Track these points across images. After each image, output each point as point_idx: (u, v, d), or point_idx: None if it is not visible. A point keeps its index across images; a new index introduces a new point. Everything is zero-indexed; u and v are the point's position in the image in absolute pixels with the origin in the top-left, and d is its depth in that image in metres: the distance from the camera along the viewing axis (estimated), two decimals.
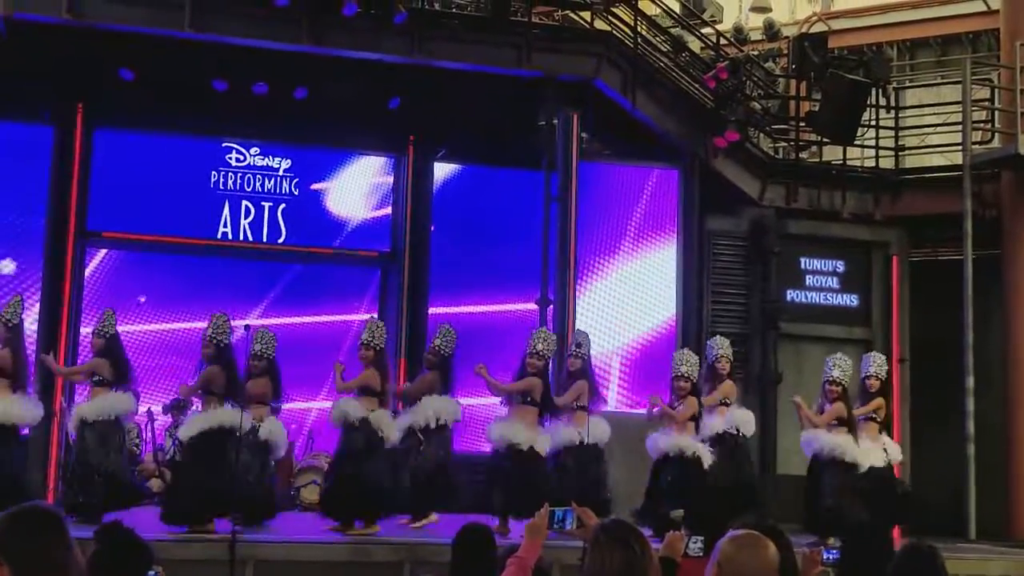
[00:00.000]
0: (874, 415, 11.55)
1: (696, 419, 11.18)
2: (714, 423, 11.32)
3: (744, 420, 11.52)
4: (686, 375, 11.15)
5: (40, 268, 13.52)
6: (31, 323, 13.11)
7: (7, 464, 9.70)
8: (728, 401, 11.54)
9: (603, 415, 11.54)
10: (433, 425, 10.71)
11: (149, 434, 12.92)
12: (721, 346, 11.74)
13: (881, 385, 11.63)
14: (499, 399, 11.30)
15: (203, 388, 10.03)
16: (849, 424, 11.26)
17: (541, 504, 4.75)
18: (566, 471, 10.74)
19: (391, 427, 10.39)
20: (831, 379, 11.36)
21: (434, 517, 10.79)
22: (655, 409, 11.19)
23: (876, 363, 11.70)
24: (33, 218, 13.56)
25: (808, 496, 11.47)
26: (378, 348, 10.49)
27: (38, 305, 13.32)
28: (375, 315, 13.76)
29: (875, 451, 11.39)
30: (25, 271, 13.52)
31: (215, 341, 10.11)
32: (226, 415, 9.76)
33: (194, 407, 10.52)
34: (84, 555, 4.56)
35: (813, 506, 11.33)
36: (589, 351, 11.41)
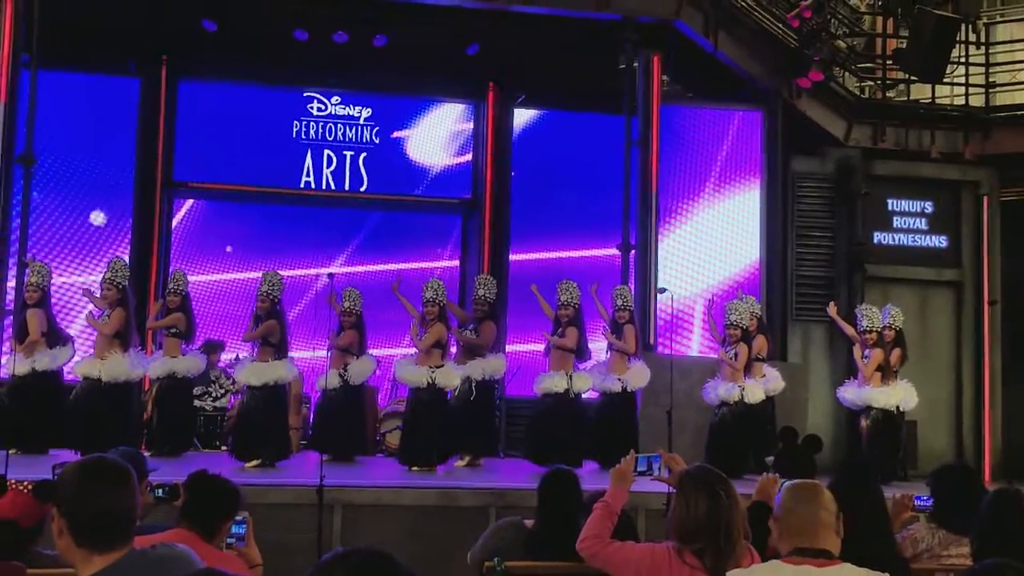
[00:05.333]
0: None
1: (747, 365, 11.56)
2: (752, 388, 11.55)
3: (775, 386, 11.80)
4: (735, 323, 11.48)
5: (129, 218, 13.81)
6: None
7: (130, 419, 10.54)
8: (762, 356, 11.80)
9: (686, 359, 11.77)
10: (481, 378, 11.18)
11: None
12: (746, 302, 12.00)
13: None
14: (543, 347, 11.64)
15: (262, 338, 10.61)
16: (884, 370, 11.72)
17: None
18: (602, 414, 11.34)
19: (455, 378, 10.86)
20: (864, 329, 11.76)
21: (479, 462, 11.25)
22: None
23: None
24: (121, 169, 13.82)
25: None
26: (442, 304, 10.91)
27: (128, 255, 13.58)
28: (456, 262, 13.89)
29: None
30: (115, 222, 13.80)
31: (271, 297, 10.64)
32: (281, 369, 10.55)
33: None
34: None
35: None
36: (631, 302, 11.74)
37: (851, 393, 11.84)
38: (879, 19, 15.20)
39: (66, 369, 10.99)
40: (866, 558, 3.60)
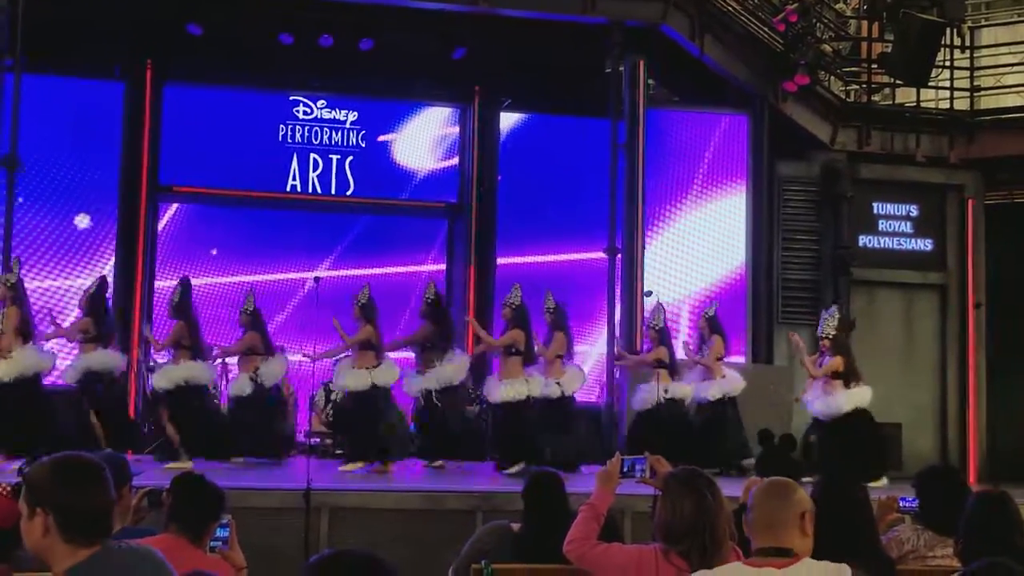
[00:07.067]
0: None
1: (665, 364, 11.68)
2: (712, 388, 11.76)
3: (734, 385, 11.86)
4: (651, 325, 11.85)
5: (114, 223, 13.75)
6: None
7: (34, 413, 10.36)
8: (721, 355, 11.93)
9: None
10: (438, 387, 11.18)
11: (224, 386, 13.10)
12: (710, 309, 12.24)
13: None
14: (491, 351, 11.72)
15: (246, 351, 11.11)
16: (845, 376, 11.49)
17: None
18: (542, 418, 11.28)
19: (393, 373, 10.93)
20: (822, 335, 11.57)
21: (440, 463, 11.24)
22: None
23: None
24: (107, 173, 13.76)
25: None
26: (363, 304, 10.96)
27: (113, 259, 13.56)
28: (443, 266, 14.00)
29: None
30: (100, 226, 13.75)
31: (245, 310, 11.29)
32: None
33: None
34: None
35: None
36: (558, 305, 11.62)
37: (820, 404, 11.48)
38: (864, 23, 15.25)
39: None
40: (852, 559, 3.60)
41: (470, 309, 13.79)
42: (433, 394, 11.14)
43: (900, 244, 14.55)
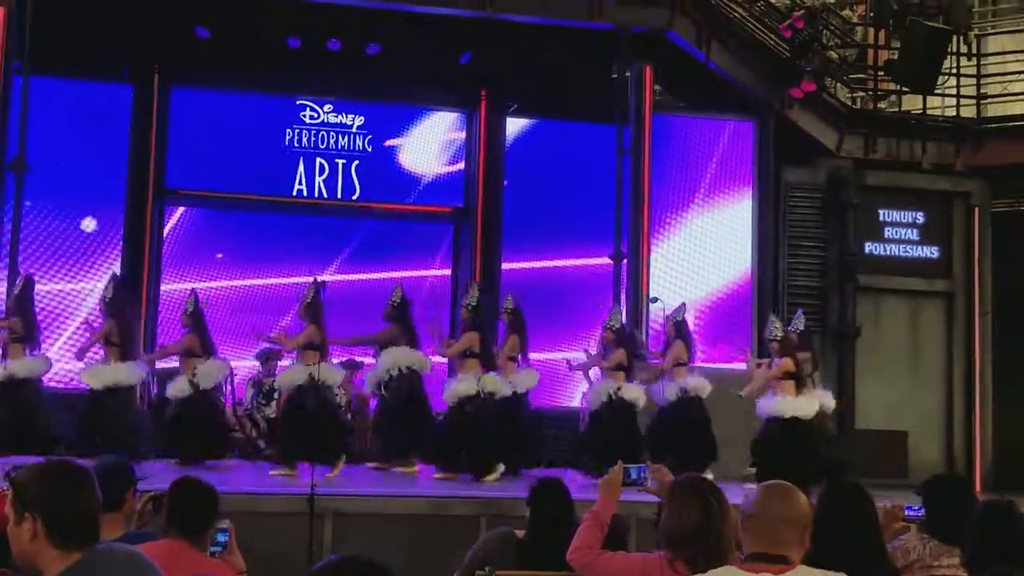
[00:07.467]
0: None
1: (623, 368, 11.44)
2: (669, 388, 11.59)
3: (699, 386, 11.64)
4: (609, 327, 11.56)
5: (120, 225, 13.76)
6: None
7: None
8: (683, 360, 11.67)
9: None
10: (387, 377, 11.09)
11: (229, 388, 13.07)
12: (678, 310, 12.02)
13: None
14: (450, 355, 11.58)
15: (184, 352, 11.11)
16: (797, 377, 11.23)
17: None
18: (492, 418, 11.08)
19: (335, 373, 10.86)
20: (770, 338, 11.38)
21: (414, 468, 11.14)
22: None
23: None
24: (113, 176, 13.77)
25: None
26: (308, 303, 10.93)
27: (119, 262, 13.56)
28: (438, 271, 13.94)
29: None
30: (106, 229, 13.75)
31: (186, 311, 11.24)
32: (215, 372, 11.17)
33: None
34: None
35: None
36: (518, 306, 11.55)
37: (767, 405, 11.18)
38: (871, 30, 15.25)
39: None
40: (857, 569, 3.59)
41: None
42: (382, 385, 11.07)
43: (906, 251, 14.52)
